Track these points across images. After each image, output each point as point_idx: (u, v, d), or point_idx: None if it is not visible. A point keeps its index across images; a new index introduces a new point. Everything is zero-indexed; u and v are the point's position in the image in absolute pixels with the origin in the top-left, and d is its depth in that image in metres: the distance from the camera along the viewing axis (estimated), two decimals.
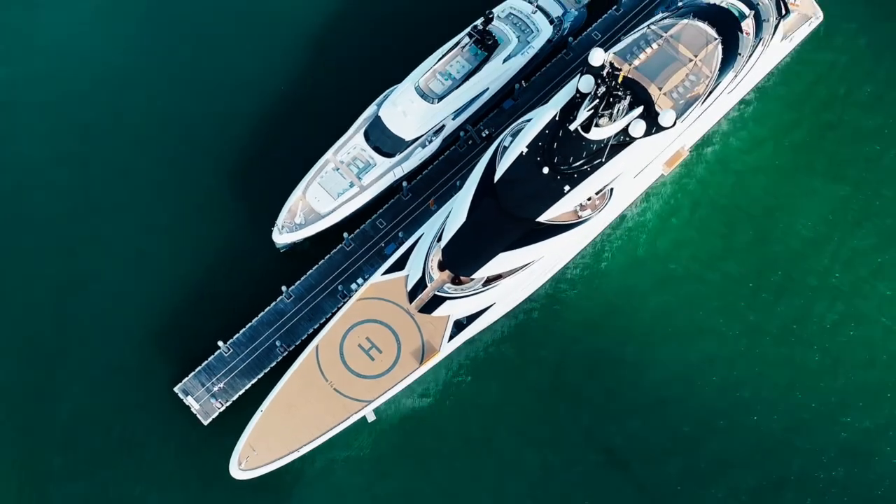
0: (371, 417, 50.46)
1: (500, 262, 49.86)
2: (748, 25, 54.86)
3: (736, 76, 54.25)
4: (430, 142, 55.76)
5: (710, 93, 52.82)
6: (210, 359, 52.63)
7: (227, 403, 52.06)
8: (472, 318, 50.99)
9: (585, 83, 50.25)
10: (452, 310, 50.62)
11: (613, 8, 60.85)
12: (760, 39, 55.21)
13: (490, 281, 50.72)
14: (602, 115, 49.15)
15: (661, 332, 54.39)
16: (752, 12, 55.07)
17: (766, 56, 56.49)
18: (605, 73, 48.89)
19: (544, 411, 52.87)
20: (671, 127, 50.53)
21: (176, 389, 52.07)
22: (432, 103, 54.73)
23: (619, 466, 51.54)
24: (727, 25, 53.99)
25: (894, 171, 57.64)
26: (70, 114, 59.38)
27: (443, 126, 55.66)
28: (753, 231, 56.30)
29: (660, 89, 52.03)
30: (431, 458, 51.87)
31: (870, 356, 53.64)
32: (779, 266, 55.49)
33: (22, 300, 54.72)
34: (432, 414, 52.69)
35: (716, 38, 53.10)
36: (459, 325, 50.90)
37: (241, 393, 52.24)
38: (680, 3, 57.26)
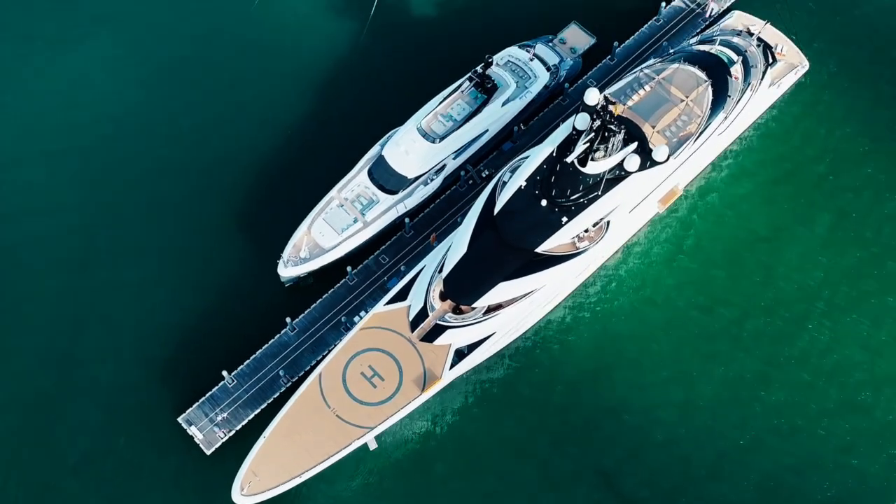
0: (373, 445, 50.84)
1: (501, 291, 51.08)
2: (737, 71, 57.21)
3: (726, 118, 56.40)
4: (432, 180, 57.56)
5: (702, 132, 54.97)
6: (214, 389, 53.31)
7: (231, 433, 52.51)
8: (473, 347, 51.87)
9: (581, 121, 52.13)
10: (454, 339, 51.54)
11: (608, 57, 63.49)
12: (749, 84, 57.54)
13: (491, 310, 51.79)
14: (597, 150, 51.00)
15: (664, 375, 55.25)
16: (741, 58, 57.55)
17: (755, 100, 58.77)
18: (599, 108, 50.95)
19: (547, 451, 53.23)
20: (665, 161, 52.38)
21: (180, 420, 52.63)
22: (434, 143, 56.74)
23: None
24: (717, 69, 56.44)
25: (880, 206, 59.58)
26: (82, 146, 61.53)
27: (444, 165, 57.55)
28: (745, 269, 57.64)
29: (653, 127, 54.18)
30: (434, 485, 52.11)
31: (872, 399, 54.27)
32: (777, 307, 56.55)
33: (26, 329, 55.77)
34: (434, 442, 53.11)
35: (706, 81, 55.51)
36: (461, 354, 51.73)
37: (244, 423, 52.78)
38: (671, 50, 60.03)
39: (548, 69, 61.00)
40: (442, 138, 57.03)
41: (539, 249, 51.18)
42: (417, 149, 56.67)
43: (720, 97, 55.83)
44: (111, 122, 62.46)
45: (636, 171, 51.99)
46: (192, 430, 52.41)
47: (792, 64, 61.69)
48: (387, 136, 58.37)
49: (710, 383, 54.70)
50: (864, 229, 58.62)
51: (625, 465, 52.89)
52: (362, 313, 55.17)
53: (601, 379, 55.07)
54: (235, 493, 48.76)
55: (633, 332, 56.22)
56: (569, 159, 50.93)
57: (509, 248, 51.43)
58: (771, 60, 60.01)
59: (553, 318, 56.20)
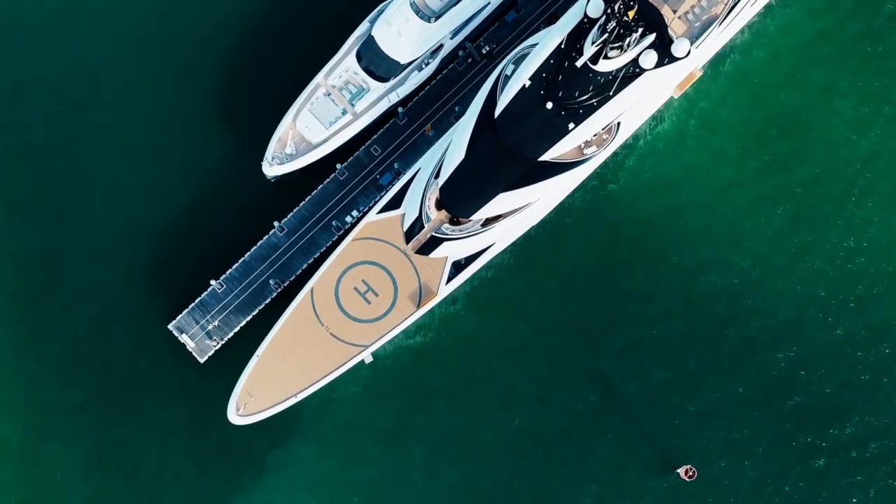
0: (368, 359, 49.87)
1: (501, 202, 47.76)
2: None
3: None
4: (427, 64, 52.21)
5: (730, 12, 48.94)
6: (203, 295, 51.59)
7: (223, 341, 51.42)
8: (470, 259, 49.44)
9: (594, 7, 46.23)
10: (450, 251, 49.00)
11: None
12: None
13: (489, 221, 48.86)
14: (612, 48, 45.66)
15: (668, 263, 52.97)
16: None
17: None
18: (616, 5, 44.81)
19: (544, 346, 52.21)
20: (685, 57, 47.03)
21: (170, 327, 51.33)
22: (429, 21, 50.79)
23: (616, 403, 51.54)
24: None
25: None
26: (59, 38, 56.04)
27: (440, 46, 51.93)
28: (769, 156, 53.66)
29: (674, 12, 48.12)
30: (431, 394, 51.78)
31: (884, 287, 52.28)
32: (792, 195, 53.21)
33: (11, 239, 53.38)
34: (431, 350, 52.14)
35: None
36: (458, 267, 49.41)
37: (236, 330, 51.53)
38: None
39: None
40: (439, 15, 50.91)
41: (543, 157, 47.26)
42: (411, 28, 50.71)
43: None
44: (89, 17, 55.98)
45: (652, 69, 46.89)
46: (184, 339, 51.22)
47: None
48: (376, 10, 52.10)
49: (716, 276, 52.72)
50: None
51: (626, 360, 51.95)
52: (354, 213, 52.18)
53: (602, 274, 52.90)
54: (231, 414, 48.46)
55: (632, 221, 53.16)
56: (579, 63, 45.65)
57: (511, 155, 47.37)
58: None
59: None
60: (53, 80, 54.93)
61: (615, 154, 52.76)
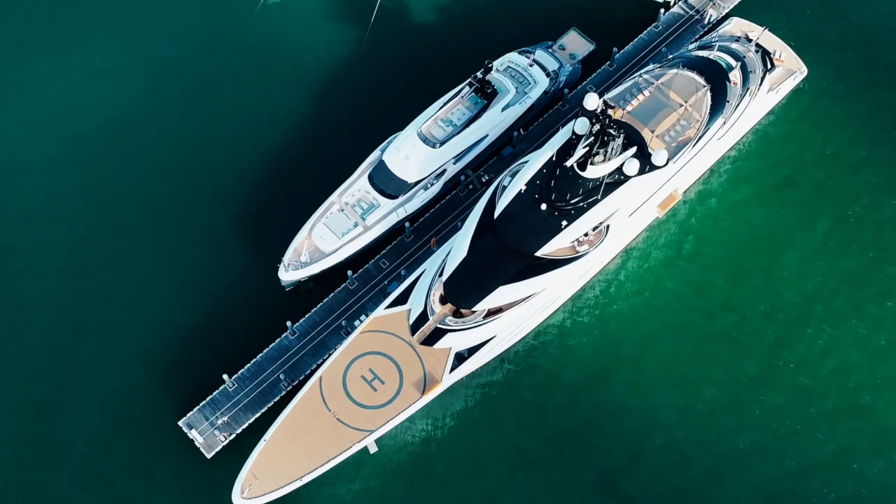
0: (373, 449, 50.90)
1: (501, 294, 51.27)
2: (735, 76, 57.60)
3: (725, 123, 56.68)
4: (432, 184, 57.80)
5: (701, 137, 55.21)
6: (215, 393, 53.34)
7: (231, 437, 52.52)
8: (473, 351, 52.02)
9: (581, 125, 52.54)
10: (454, 342, 51.69)
11: (607, 63, 63.83)
12: (748, 89, 57.82)
13: (491, 314, 52.03)
14: (597, 153, 51.24)
15: (664, 378, 55.32)
16: (739, 64, 57.94)
17: (753, 105, 59.07)
18: (598, 112, 51.14)
19: (548, 454, 53.27)
20: (664, 166, 52.63)
21: (180, 423, 52.68)
22: (434, 147, 56.98)
23: None
24: (715, 75, 56.74)
25: (879, 211, 59.78)
26: (82, 151, 61.83)
27: (444, 170, 57.80)
28: (744, 274, 57.81)
29: (652, 132, 54.41)
30: (434, 488, 52.12)
31: (871, 402, 54.38)
32: (776, 311, 56.67)
33: (26, 333, 55.93)
34: (434, 445, 53.16)
35: (704, 86, 55.77)
36: (461, 358, 51.86)
37: (244, 426, 52.83)
38: (670, 56, 60.37)
39: (547, 75, 61.31)
40: (442, 143, 57.28)
41: (539, 253, 51.36)
42: (417, 153, 56.92)
43: (719, 102, 56.07)
44: (111, 126, 62.64)
45: (635, 175, 52.29)
46: (193, 434, 52.44)
47: (790, 70, 61.96)
48: (387, 141, 58.65)
49: (710, 387, 54.80)
50: (862, 233, 58.94)
51: (624, 468, 52.97)
52: (363, 317, 55.14)
53: (601, 382, 55.18)
54: (236, 496, 48.76)
55: (633, 335, 56.38)
56: (568, 163, 51.19)
57: (509, 252, 51.64)
58: (769, 66, 60.37)
59: (552, 321, 56.32)
60: (87, 188, 60.27)
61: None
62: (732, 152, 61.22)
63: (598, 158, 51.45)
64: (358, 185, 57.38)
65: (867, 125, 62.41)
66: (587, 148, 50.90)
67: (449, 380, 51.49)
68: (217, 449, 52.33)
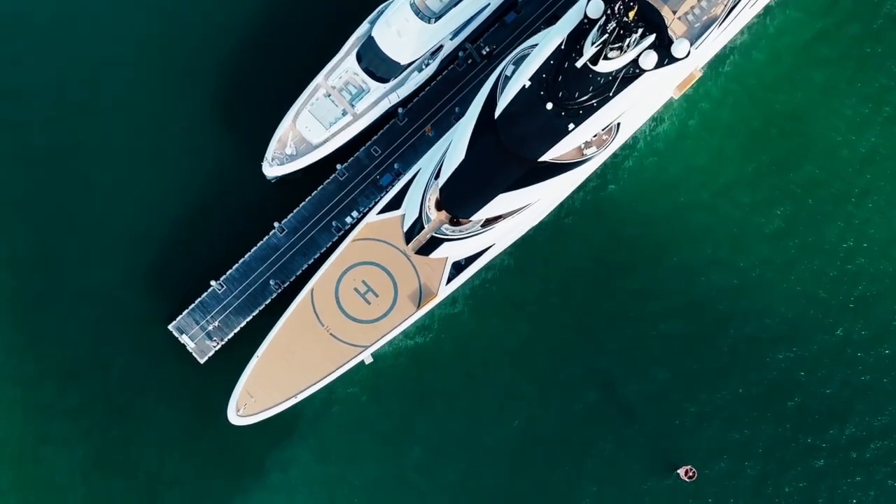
0: (368, 360, 49.83)
1: (500, 203, 47.75)
2: None
3: None
4: (427, 65, 52.23)
5: (729, 13, 49.02)
6: (203, 296, 51.55)
7: (223, 342, 51.39)
8: (470, 260, 49.44)
9: (594, 7, 46.31)
10: (450, 252, 48.99)
11: None
12: None
13: (489, 222, 48.87)
14: (612, 48, 45.70)
15: (668, 263, 52.97)
16: None
17: None
18: (616, 6, 44.85)
19: (544, 346, 52.19)
20: (685, 58, 47.09)
21: (171, 327, 51.29)
22: (429, 22, 50.83)
23: (616, 403, 51.45)
24: None
25: None
26: (58, 40, 56.12)
27: (440, 47, 51.98)
28: (769, 156, 53.70)
29: (674, 12, 48.15)
30: (431, 394, 51.75)
31: (879, 290, 52.33)
32: (792, 195, 53.23)
33: (10, 242, 53.34)
34: (431, 350, 52.13)
35: None
36: (458, 267, 49.41)
37: (236, 331, 51.50)
38: None
39: None
40: (439, 16, 50.95)
41: (543, 158, 47.29)
42: (411, 29, 50.74)
43: None
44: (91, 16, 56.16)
45: (652, 69, 46.97)
46: (184, 339, 51.16)
47: None
48: (376, 11, 52.15)
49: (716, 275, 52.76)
50: None
51: (626, 361, 52.12)
52: (354, 213, 52.19)
53: (602, 273, 52.93)
54: (231, 415, 48.41)
55: (633, 222, 53.18)
56: (579, 63, 45.71)
57: (510, 156, 47.39)
58: None
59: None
60: (53, 83, 54.84)
61: (615, 154, 52.82)
62: (762, 13, 54.77)
63: (612, 52, 45.92)
64: (345, 66, 51.78)
65: None
66: (600, 46, 45.20)
67: (445, 291, 49.30)
68: (210, 354, 51.34)
